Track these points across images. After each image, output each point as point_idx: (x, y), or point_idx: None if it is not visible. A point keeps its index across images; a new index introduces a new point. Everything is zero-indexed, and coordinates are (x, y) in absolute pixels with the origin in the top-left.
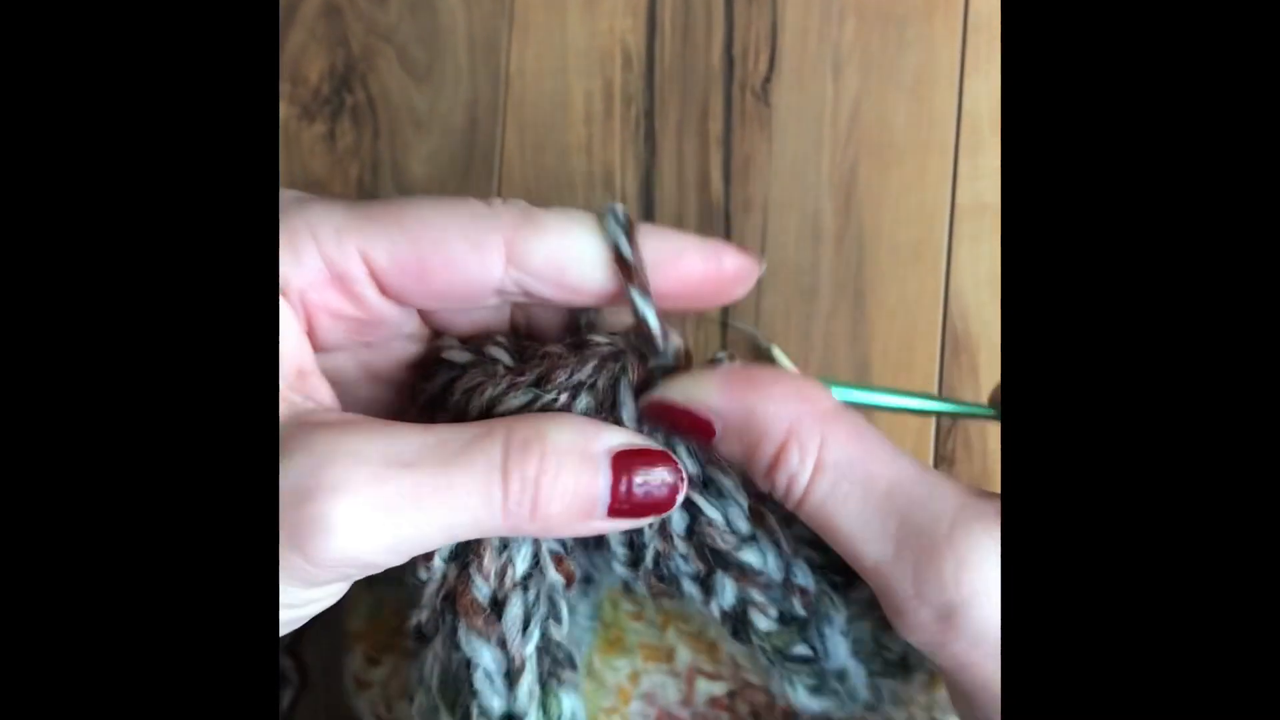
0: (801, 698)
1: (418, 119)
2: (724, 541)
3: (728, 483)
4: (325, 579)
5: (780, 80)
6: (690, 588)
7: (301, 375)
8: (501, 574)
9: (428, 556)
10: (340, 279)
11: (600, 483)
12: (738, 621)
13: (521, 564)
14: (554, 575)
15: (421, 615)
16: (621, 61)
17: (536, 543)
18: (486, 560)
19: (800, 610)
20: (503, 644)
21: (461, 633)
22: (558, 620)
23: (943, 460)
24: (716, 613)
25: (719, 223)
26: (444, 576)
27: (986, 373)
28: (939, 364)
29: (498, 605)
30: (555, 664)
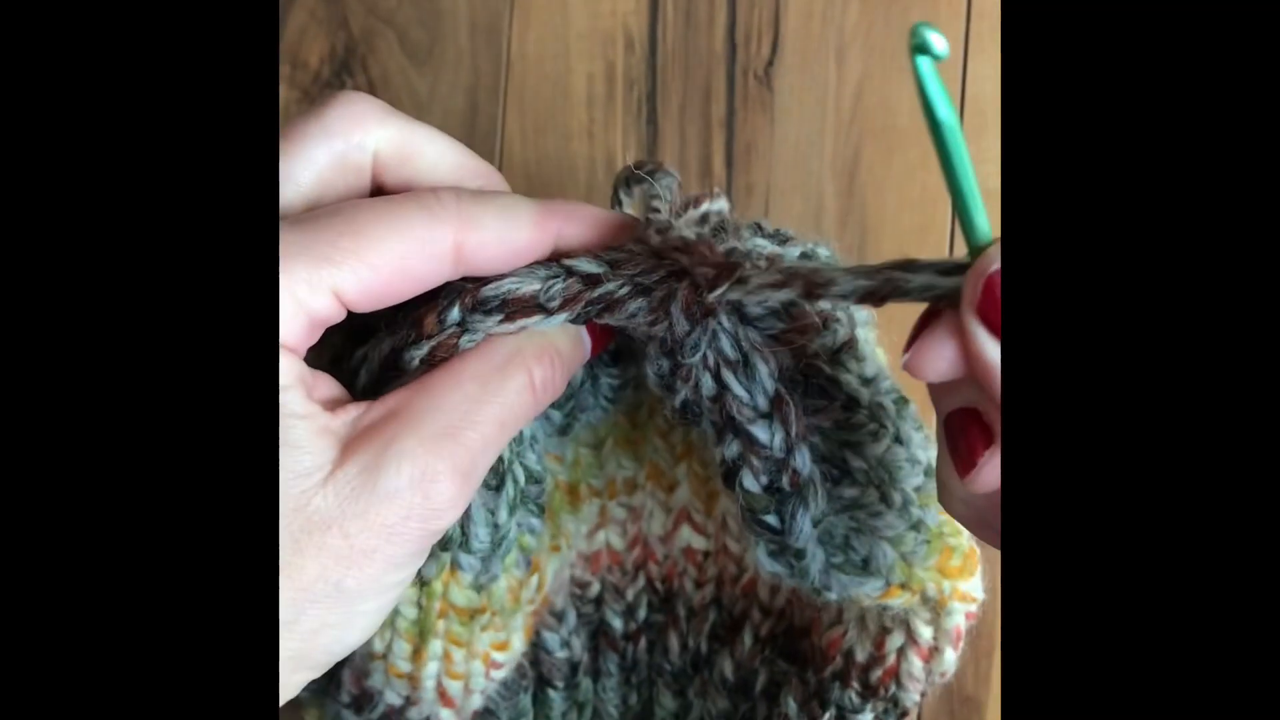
0: (760, 555)
1: (418, 102)
2: (740, 414)
3: (763, 369)
4: (425, 549)
5: (783, 64)
6: (707, 428)
7: (329, 404)
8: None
9: None
10: (320, 322)
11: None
12: (730, 473)
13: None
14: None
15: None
16: (624, 44)
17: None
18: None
19: (785, 486)
20: None
21: None
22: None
23: None
24: (718, 457)
25: None
26: None
27: None
28: None
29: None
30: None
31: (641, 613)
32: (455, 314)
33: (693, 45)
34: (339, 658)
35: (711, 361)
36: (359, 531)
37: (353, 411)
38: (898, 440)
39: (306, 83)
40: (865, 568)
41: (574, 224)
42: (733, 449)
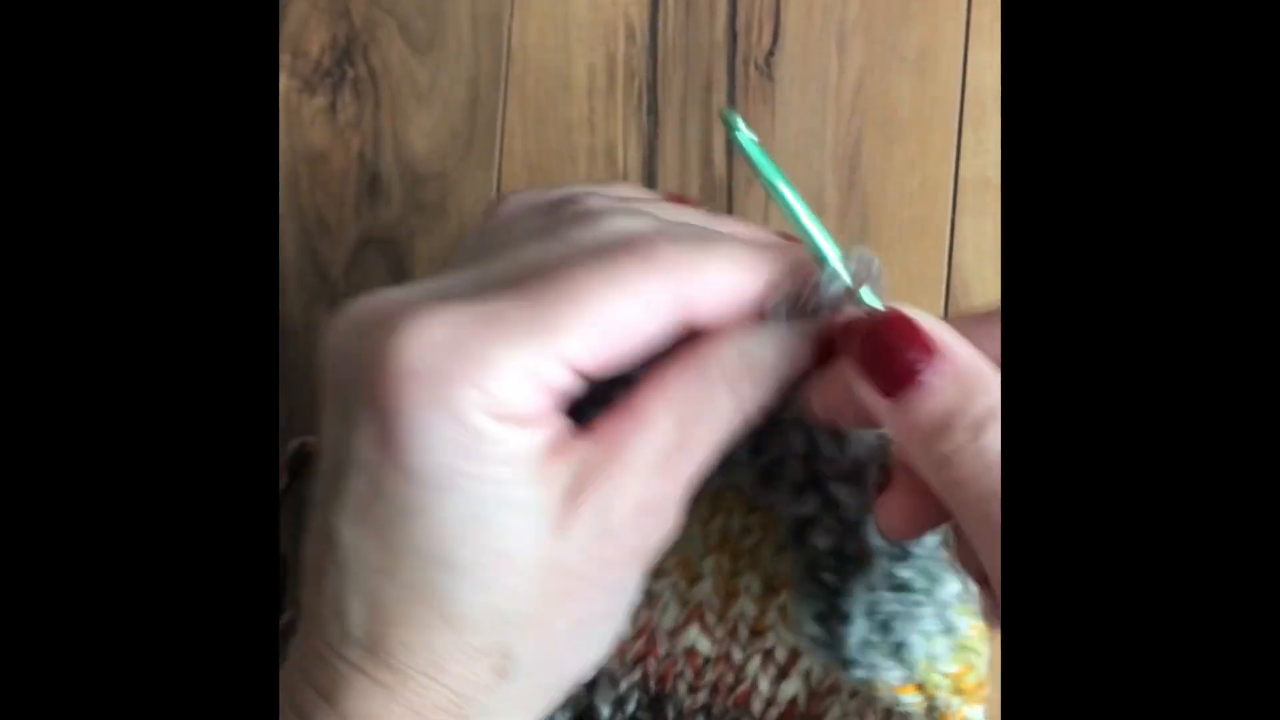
0: (804, 617)
1: (419, 92)
2: (825, 471)
3: (852, 435)
4: None
5: (784, 54)
6: (784, 491)
7: (554, 449)
8: None
9: None
10: (560, 392)
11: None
12: (800, 529)
13: None
14: None
15: None
16: (624, 35)
17: None
18: None
19: (850, 550)
20: None
21: None
22: None
23: None
24: (791, 516)
25: (722, 197)
26: None
27: None
28: None
29: None
30: None
31: (630, 707)
32: None
33: (693, 35)
34: (587, 678)
35: (803, 421)
36: (597, 571)
37: (573, 455)
38: (946, 543)
39: (307, 72)
40: (897, 653)
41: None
42: (809, 505)
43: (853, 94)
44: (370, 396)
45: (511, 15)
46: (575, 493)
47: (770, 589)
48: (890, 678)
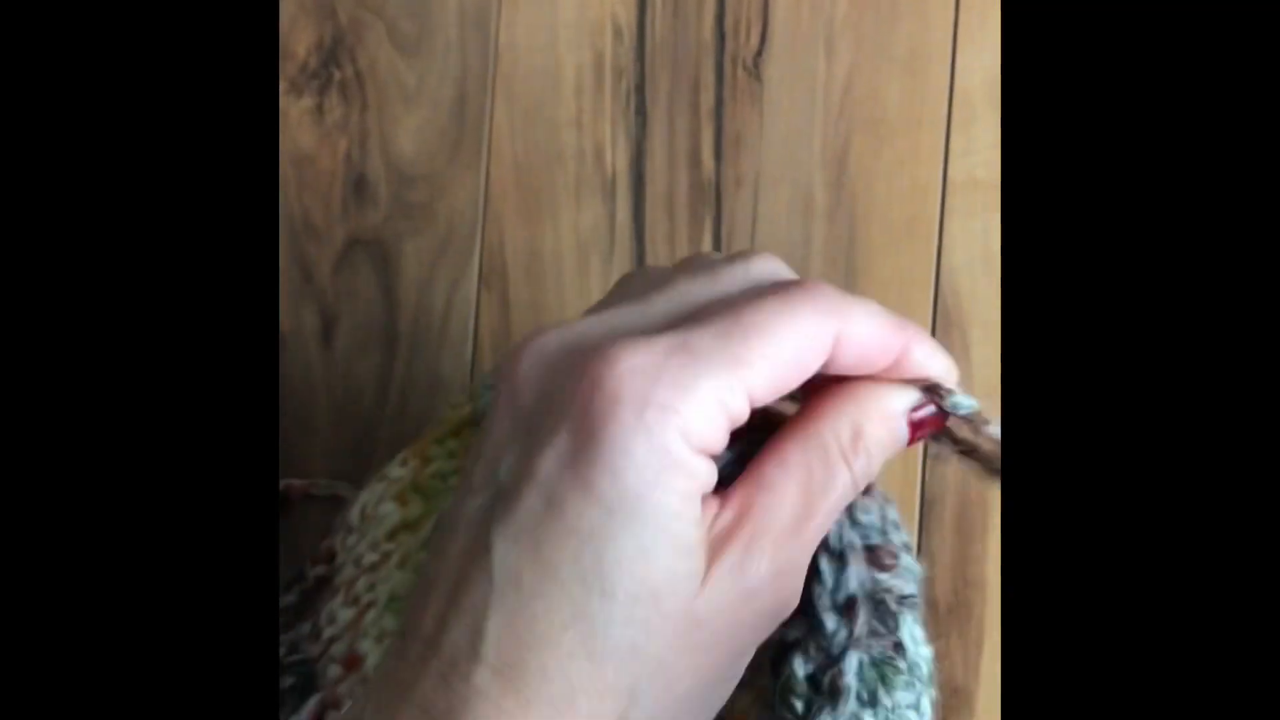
0: None
1: (407, 93)
2: (818, 599)
3: (852, 569)
4: None
5: (772, 54)
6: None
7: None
8: None
9: None
10: (737, 422)
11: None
12: (782, 653)
13: None
14: None
15: None
16: (612, 34)
17: None
18: None
19: (825, 682)
20: None
21: None
22: None
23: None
24: (777, 639)
25: (710, 198)
26: None
27: (978, 349)
28: None
29: None
30: None
31: None
32: None
33: (681, 35)
34: None
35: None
36: (731, 630)
37: (710, 511)
38: (917, 708)
39: (294, 73)
40: None
41: (918, 344)
42: (796, 631)
43: (841, 95)
44: (575, 416)
45: (499, 15)
46: (717, 549)
47: None
48: None
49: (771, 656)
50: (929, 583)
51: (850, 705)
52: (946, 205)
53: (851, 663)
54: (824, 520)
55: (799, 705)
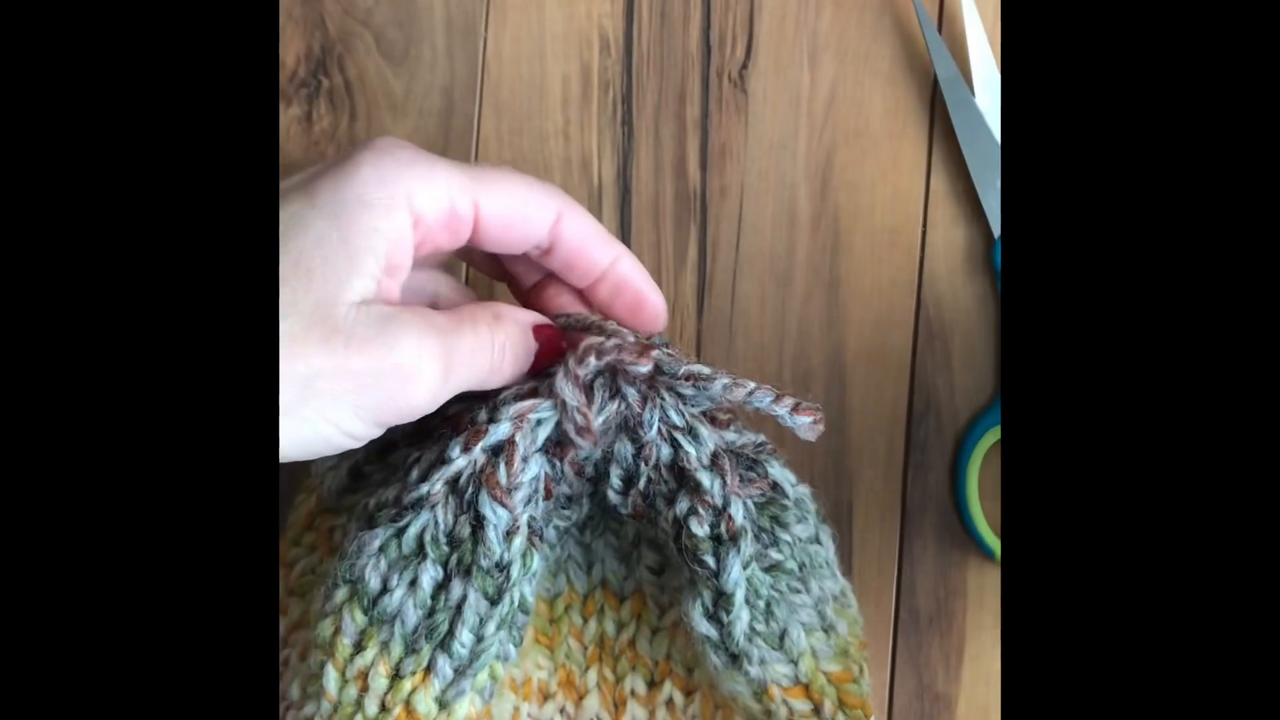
0: (696, 617)
1: (394, 102)
2: (689, 465)
3: (704, 432)
4: (393, 421)
5: (757, 66)
6: (660, 504)
7: (391, 270)
8: (518, 468)
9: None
10: (455, 218)
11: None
12: (680, 529)
13: (531, 470)
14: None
15: (434, 486)
16: (599, 46)
17: (543, 462)
18: (515, 461)
19: (724, 532)
20: (510, 510)
21: (483, 499)
22: (538, 513)
23: (915, 447)
24: (670, 521)
25: (695, 208)
26: (475, 462)
27: (960, 359)
28: (912, 350)
29: (511, 488)
30: (534, 534)
31: None
32: (483, 414)
33: (668, 47)
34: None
35: (665, 432)
36: (355, 354)
37: (426, 304)
38: (817, 541)
39: (283, 82)
40: (781, 644)
41: (628, 256)
42: (683, 505)
43: (825, 106)
44: (342, 155)
45: (486, 25)
46: (382, 300)
47: (653, 684)
48: (779, 675)
49: (674, 535)
50: (910, 590)
51: (752, 545)
52: (929, 215)
53: (737, 507)
54: (467, 354)
55: (710, 561)
